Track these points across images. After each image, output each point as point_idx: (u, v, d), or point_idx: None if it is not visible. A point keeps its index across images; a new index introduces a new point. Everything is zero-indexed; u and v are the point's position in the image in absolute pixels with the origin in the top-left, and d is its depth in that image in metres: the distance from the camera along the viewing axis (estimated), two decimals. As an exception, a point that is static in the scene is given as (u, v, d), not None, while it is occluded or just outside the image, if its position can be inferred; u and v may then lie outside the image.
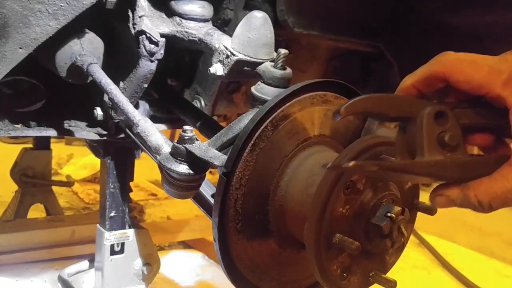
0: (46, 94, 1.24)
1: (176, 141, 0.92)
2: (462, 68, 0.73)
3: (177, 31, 1.18)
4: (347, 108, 0.69)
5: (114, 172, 1.42)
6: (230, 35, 1.08)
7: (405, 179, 0.83)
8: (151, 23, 1.12)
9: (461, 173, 0.73)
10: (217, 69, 1.07)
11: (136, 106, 1.24)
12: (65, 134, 1.27)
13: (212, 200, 1.00)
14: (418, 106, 0.73)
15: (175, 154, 0.91)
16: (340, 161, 0.75)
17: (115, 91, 1.06)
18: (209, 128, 1.21)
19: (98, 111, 1.23)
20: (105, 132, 1.28)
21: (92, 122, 1.27)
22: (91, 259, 1.53)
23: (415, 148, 0.72)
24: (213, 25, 1.22)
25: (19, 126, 1.21)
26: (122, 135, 1.29)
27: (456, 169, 0.72)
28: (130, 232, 1.45)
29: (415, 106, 0.73)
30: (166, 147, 0.95)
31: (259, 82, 0.99)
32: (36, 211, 2.58)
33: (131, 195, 1.49)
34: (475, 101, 0.75)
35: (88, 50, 1.12)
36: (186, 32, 1.17)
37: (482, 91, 0.72)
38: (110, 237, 1.43)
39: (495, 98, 0.71)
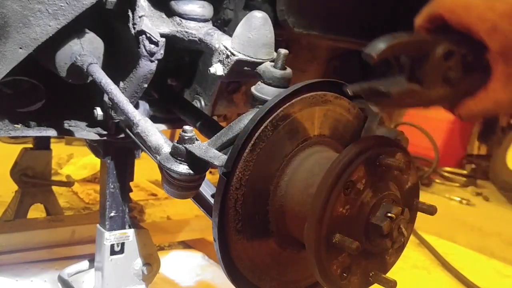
0: (46, 94, 1.24)
1: (176, 141, 0.92)
2: (455, 11, 0.86)
3: (177, 31, 1.18)
4: (379, 55, 0.82)
5: (114, 172, 1.42)
6: (230, 35, 1.08)
7: (405, 103, 0.94)
8: (151, 23, 1.12)
9: (454, 100, 0.90)
10: (217, 69, 1.07)
11: (136, 106, 1.24)
12: (65, 134, 1.27)
13: (212, 200, 1.00)
14: (432, 44, 0.85)
15: (175, 154, 0.91)
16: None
17: (115, 91, 1.06)
18: (209, 128, 1.21)
19: (98, 111, 1.23)
20: (105, 132, 1.28)
21: (92, 122, 1.27)
22: (91, 259, 1.53)
23: (422, 79, 0.85)
24: (213, 25, 1.22)
25: (19, 126, 1.21)
26: (122, 135, 1.29)
27: (451, 99, 0.89)
28: (130, 232, 1.45)
29: (429, 44, 0.85)
30: (166, 147, 0.95)
31: (259, 82, 0.99)
32: (36, 211, 2.57)
33: (131, 195, 1.49)
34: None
35: (88, 50, 1.12)
36: (186, 32, 1.17)
37: (470, 33, 0.85)
38: (110, 237, 1.43)
39: (481, 41, 0.85)
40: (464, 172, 5.01)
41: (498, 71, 0.84)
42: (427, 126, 4.83)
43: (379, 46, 0.83)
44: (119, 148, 1.40)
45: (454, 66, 0.85)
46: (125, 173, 1.44)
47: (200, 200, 1.08)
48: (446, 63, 0.85)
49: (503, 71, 0.84)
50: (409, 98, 0.87)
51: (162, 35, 1.13)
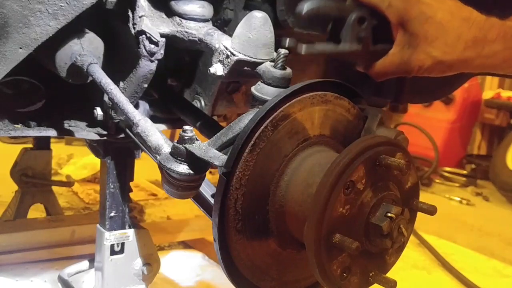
0: (46, 94, 1.24)
1: (176, 141, 0.92)
2: None
3: (177, 31, 1.17)
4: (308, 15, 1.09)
5: (114, 172, 1.42)
6: (230, 35, 1.08)
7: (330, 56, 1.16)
8: (151, 23, 1.12)
9: (368, 59, 1.13)
10: (217, 69, 1.07)
11: (136, 106, 1.24)
12: (65, 134, 1.27)
13: (212, 200, 1.00)
14: (349, 10, 1.11)
15: (175, 154, 0.91)
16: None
17: (115, 91, 1.06)
18: (209, 128, 1.20)
19: (98, 111, 1.23)
20: (105, 132, 1.28)
21: (92, 122, 1.27)
22: (91, 259, 1.53)
23: (340, 37, 1.11)
24: (213, 25, 1.22)
25: (19, 126, 1.21)
26: (122, 135, 1.29)
27: (365, 57, 1.12)
28: (130, 232, 1.45)
29: (348, 10, 1.11)
30: (166, 147, 0.95)
31: (259, 82, 0.99)
32: (36, 211, 2.58)
33: (131, 195, 1.49)
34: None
35: (88, 50, 1.12)
36: (186, 32, 1.17)
37: (376, 8, 1.09)
38: (110, 237, 1.42)
39: (383, 14, 1.09)
40: (464, 172, 5.01)
41: (398, 38, 1.04)
42: (427, 126, 4.84)
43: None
44: (119, 148, 1.40)
45: (365, 28, 1.10)
46: (125, 173, 1.44)
47: (200, 200, 1.08)
48: (359, 26, 1.09)
49: (400, 38, 1.03)
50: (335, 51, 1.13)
51: (162, 35, 1.13)
